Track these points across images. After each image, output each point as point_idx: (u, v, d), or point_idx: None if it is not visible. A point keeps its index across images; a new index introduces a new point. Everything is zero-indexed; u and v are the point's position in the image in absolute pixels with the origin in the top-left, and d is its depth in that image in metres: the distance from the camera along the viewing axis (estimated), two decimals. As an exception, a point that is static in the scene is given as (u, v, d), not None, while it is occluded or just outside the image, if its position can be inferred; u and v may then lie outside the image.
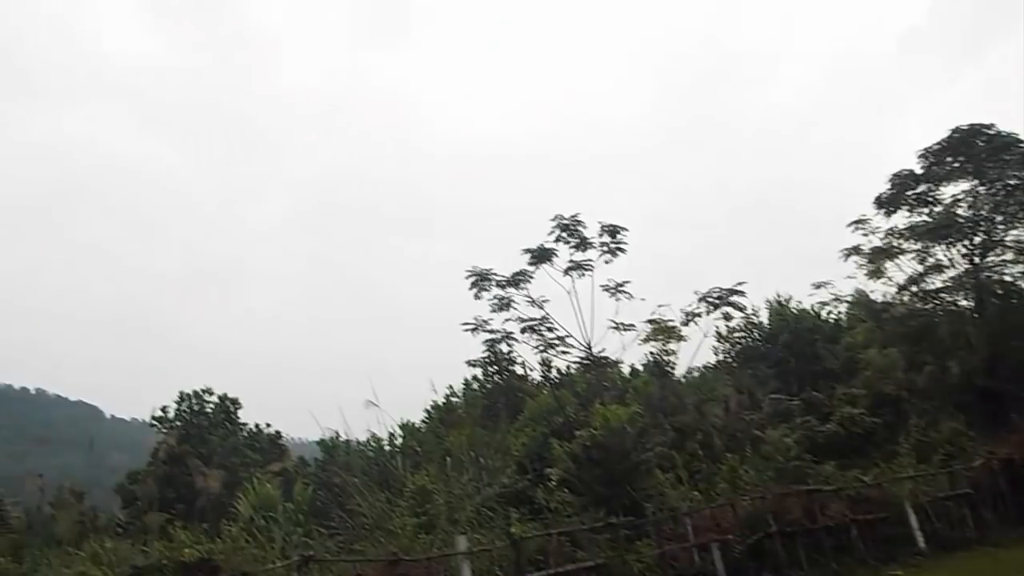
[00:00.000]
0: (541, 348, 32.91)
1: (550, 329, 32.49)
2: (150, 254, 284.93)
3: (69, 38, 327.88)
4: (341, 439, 38.83)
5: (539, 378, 40.66)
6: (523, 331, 32.53)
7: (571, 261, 32.42)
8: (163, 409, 50.45)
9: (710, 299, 32.83)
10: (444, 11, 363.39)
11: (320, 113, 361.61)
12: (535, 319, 32.41)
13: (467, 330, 32.65)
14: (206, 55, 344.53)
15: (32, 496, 36.21)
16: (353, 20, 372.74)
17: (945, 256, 33.27)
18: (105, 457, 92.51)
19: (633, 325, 32.49)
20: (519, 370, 41.45)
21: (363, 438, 36.51)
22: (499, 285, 32.59)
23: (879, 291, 35.90)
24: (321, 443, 42.89)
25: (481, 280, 32.69)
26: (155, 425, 49.91)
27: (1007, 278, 32.93)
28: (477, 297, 32.70)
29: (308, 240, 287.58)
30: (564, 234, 32.60)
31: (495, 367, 41.72)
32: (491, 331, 32.76)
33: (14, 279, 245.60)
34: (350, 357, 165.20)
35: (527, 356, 41.25)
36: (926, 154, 33.51)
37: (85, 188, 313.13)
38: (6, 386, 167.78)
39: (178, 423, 49.83)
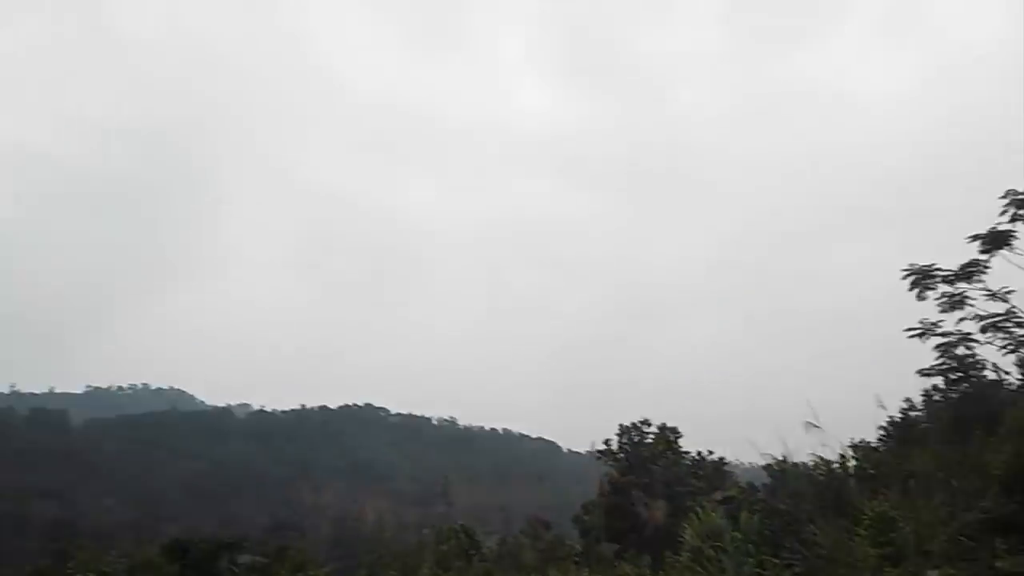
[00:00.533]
0: (1011, 347, 28.09)
1: (1020, 324, 27.64)
2: (584, 300, 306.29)
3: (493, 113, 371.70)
4: (788, 463, 36.88)
5: (1017, 382, 34.66)
6: (984, 330, 28.11)
7: (1035, 241, 27.27)
8: (606, 442, 52.80)
9: None
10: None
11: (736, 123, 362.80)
12: (998, 315, 27.81)
13: (912, 336, 29.17)
14: (608, 104, 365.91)
15: (501, 526, 40.11)
16: (754, 29, 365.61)
17: None
18: (565, 488, 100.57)
19: None
20: (989, 375, 35.84)
21: (807, 461, 34.24)
22: (946, 281, 28.62)
23: None
24: (768, 468, 41.18)
25: (923, 278, 29.03)
26: (600, 458, 52.44)
27: None
28: (920, 298, 29.09)
29: (733, 263, 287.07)
30: (1021, 211, 27.58)
31: (957, 374, 36.58)
32: (943, 334, 28.86)
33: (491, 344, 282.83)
34: (784, 373, 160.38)
35: (995, 358, 35.62)
36: None
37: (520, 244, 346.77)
38: (478, 427, 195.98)
39: (620, 455, 51.74)
